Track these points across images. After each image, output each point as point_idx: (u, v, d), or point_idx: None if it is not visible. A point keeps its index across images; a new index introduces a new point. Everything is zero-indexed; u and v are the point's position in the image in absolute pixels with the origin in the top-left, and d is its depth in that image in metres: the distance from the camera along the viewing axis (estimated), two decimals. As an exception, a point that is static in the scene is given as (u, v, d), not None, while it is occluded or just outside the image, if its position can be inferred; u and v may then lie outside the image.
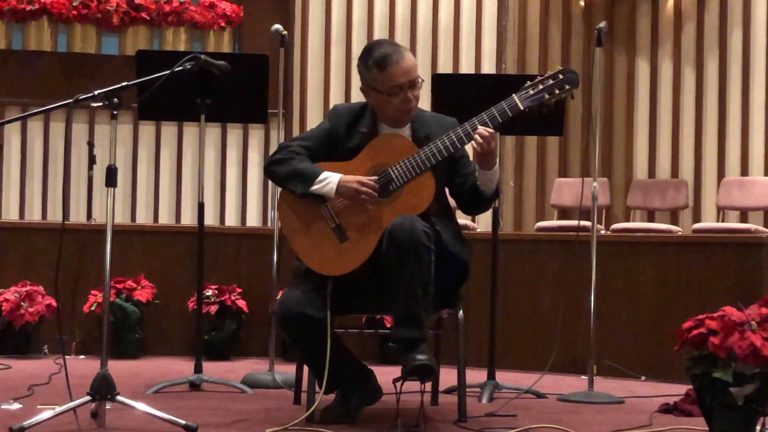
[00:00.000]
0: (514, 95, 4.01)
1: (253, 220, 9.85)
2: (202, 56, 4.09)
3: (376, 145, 4.07)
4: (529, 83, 4.04)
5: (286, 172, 4.07)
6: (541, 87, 4.02)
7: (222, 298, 6.58)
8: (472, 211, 4.31)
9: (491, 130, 3.94)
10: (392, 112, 4.09)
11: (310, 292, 3.97)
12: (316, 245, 4.02)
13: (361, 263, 3.96)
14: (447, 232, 4.06)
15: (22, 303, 6.39)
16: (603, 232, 8.06)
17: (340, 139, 4.14)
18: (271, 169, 4.13)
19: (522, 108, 4.00)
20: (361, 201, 3.96)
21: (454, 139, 3.98)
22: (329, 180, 4.00)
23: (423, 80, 4.12)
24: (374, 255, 3.93)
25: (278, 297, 4.13)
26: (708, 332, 3.46)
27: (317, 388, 4.08)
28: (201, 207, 5.22)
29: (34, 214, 9.55)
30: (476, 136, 3.92)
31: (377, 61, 4.04)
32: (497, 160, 4.05)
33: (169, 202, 9.78)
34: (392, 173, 3.99)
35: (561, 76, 4.04)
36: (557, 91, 4.02)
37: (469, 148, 4.02)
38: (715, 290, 5.77)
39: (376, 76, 4.05)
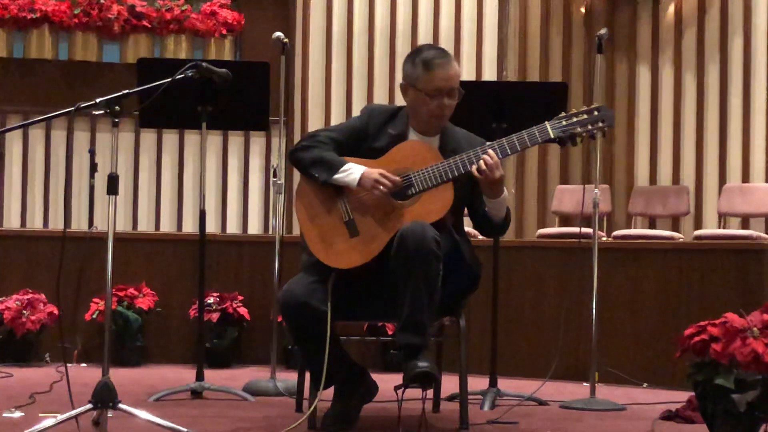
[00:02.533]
0: (546, 122, 4.01)
1: (254, 227, 9.86)
2: (203, 64, 4.09)
3: (402, 149, 4.10)
4: (563, 114, 4.04)
5: (311, 158, 4.10)
6: (575, 120, 4.02)
7: (223, 306, 6.57)
8: (485, 234, 4.33)
9: (496, 159, 3.94)
10: (425, 115, 4.10)
11: (315, 284, 3.97)
12: (326, 236, 4.04)
13: (368, 260, 3.97)
14: (466, 245, 4.10)
15: (24, 311, 6.39)
16: (604, 239, 8.06)
17: (368, 137, 4.16)
18: (297, 155, 4.16)
19: (552, 136, 4.00)
20: (379, 192, 3.97)
21: (480, 154, 3.98)
22: (353, 171, 4.03)
23: (462, 92, 4.13)
24: (381, 258, 3.94)
25: (283, 289, 4.12)
26: (710, 339, 3.46)
27: (319, 397, 4.07)
28: (202, 215, 5.22)
29: (35, 222, 9.56)
30: (480, 162, 3.93)
31: (425, 61, 4.08)
32: (503, 190, 4.06)
33: (170, 209, 9.79)
34: (413, 178, 4.01)
35: (596, 113, 4.03)
36: (590, 127, 4.02)
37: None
38: (716, 297, 5.77)
39: (420, 75, 4.08)
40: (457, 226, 4.16)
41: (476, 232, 8.16)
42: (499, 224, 4.14)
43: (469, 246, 4.17)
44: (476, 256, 4.20)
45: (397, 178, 4.00)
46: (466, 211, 4.26)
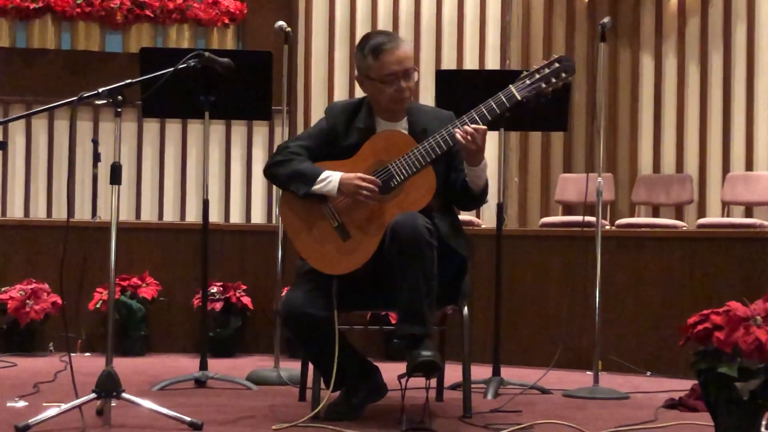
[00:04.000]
0: (510, 86, 4.02)
1: (257, 216, 9.86)
2: (206, 53, 4.09)
3: (375, 142, 4.08)
4: (525, 73, 4.05)
5: (287, 174, 4.08)
6: (537, 76, 4.03)
7: (227, 295, 6.58)
8: (463, 207, 4.31)
9: (480, 127, 3.94)
10: (385, 102, 4.10)
11: (313, 291, 3.98)
12: (319, 245, 4.03)
13: (365, 261, 3.96)
14: (446, 227, 4.06)
15: (28, 301, 6.40)
16: (608, 227, 8.05)
17: (338, 136, 4.15)
18: (272, 172, 4.14)
19: (519, 98, 4.00)
20: (363, 198, 3.97)
21: (453, 132, 3.98)
22: (330, 179, 4.01)
23: (417, 71, 4.13)
24: (377, 252, 3.93)
25: (282, 295, 4.13)
26: (713, 327, 3.45)
27: (322, 385, 4.08)
28: (205, 204, 5.22)
29: (39, 212, 9.57)
30: (462, 130, 3.93)
31: (372, 49, 4.07)
32: (484, 156, 4.04)
33: (173, 199, 9.79)
34: (393, 169, 4.00)
35: (557, 65, 4.05)
36: (554, 80, 4.03)
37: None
38: (719, 285, 5.76)
39: (371, 64, 4.07)
40: (443, 206, 4.14)
41: (479, 221, 8.18)
42: (478, 194, 4.10)
43: (453, 226, 4.13)
44: (464, 236, 4.17)
45: (375, 179, 3.98)
46: None
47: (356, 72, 4.18)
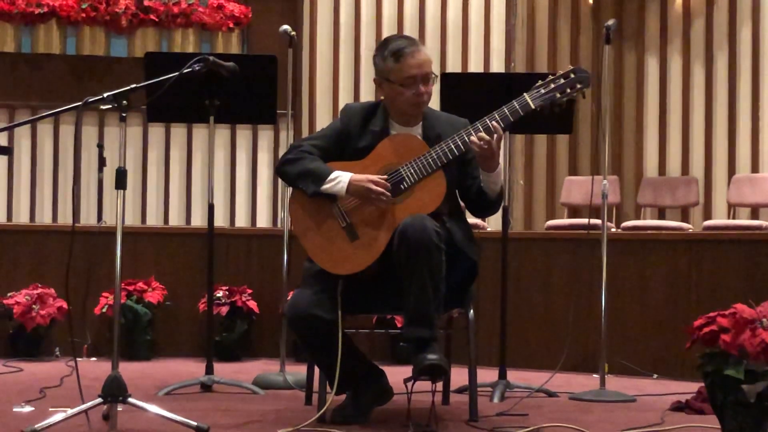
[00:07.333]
0: (525, 94, 4.03)
1: (263, 221, 9.86)
2: (211, 58, 4.10)
3: (387, 145, 4.09)
4: (540, 82, 4.06)
5: (297, 172, 4.08)
6: (552, 86, 4.03)
7: (233, 299, 6.58)
8: (480, 214, 4.32)
9: (487, 138, 3.94)
10: (403, 105, 4.10)
11: (320, 293, 3.98)
12: (326, 244, 4.03)
13: (372, 262, 3.97)
14: (458, 232, 4.08)
15: (34, 306, 6.41)
16: (613, 230, 8.05)
17: (352, 138, 4.16)
18: (283, 169, 4.15)
19: (533, 107, 4.01)
20: (373, 200, 3.97)
21: (465, 138, 3.99)
22: (340, 179, 4.01)
23: (436, 76, 4.14)
24: (385, 254, 3.94)
25: (289, 298, 4.13)
26: (719, 330, 3.45)
27: (328, 389, 4.08)
28: (211, 208, 5.22)
29: (44, 217, 9.57)
30: (474, 138, 3.93)
31: (393, 52, 4.08)
32: (499, 162, 4.06)
33: (179, 203, 9.79)
34: (403, 172, 4.00)
35: (572, 76, 4.05)
36: (569, 90, 4.04)
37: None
38: (726, 287, 5.76)
39: (392, 67, 4.08)
40: (453, 210, 4.15)
41: (484, 224, 8.18)
42: (494, 199, 4.13)
43: (465, 231, 4.14)
44: (475, 241, 4.18)
45: (385, 182, 3.98)
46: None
47: (374, 75, 4.18)
